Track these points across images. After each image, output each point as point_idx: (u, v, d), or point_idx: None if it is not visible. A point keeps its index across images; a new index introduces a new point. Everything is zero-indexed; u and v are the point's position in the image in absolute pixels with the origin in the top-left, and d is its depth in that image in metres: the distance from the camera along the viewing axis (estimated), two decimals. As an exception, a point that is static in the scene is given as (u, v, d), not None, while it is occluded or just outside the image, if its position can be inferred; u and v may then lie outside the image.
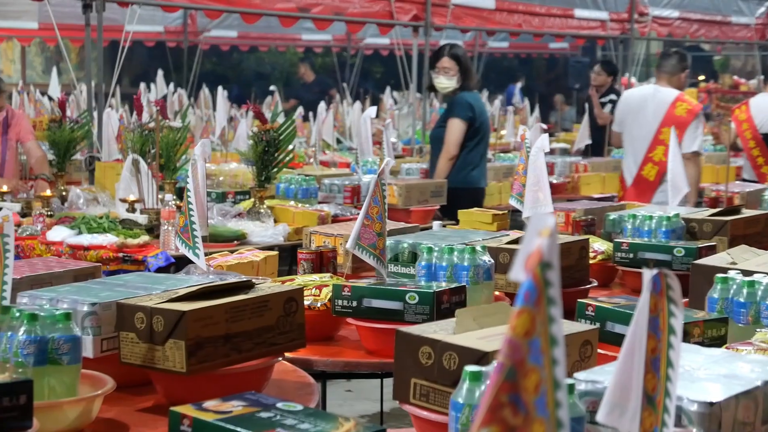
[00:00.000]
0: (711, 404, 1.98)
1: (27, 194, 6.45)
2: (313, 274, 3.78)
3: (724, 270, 3.28)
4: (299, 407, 2.03)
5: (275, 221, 5.88)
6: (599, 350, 2.68)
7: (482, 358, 2.27)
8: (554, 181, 8.36)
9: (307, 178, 6.80)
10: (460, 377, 2.09)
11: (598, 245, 4.44)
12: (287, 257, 6.72)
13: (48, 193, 6.07)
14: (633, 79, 15.14)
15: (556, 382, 1.15)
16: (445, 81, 7.12)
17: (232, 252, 4.38)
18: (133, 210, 5.57)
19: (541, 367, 1.15)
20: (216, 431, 1.94)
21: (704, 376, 2.15)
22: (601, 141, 10.17)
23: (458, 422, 2.06)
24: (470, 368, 2.07)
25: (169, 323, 2.59)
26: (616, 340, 2.86)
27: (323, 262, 3.92)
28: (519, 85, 19.41)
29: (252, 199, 6.17)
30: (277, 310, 2.79)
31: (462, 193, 6.99)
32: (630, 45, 13.95)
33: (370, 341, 3.31)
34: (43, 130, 7.07)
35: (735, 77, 19.97)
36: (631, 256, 4.21)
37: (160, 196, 5.68)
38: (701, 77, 19.36)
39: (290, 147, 6.17)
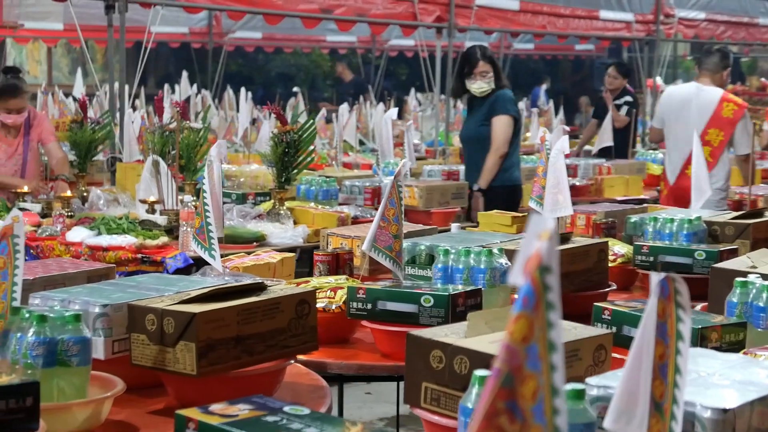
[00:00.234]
0: (725, 411, 1.94)
1: (47, 195, 6.46)
2: (329, 276, 3.75)
3: (744, 274, 3.24)
4: (306, 411, 2.00)
5: (295, 223, 5.86)
6: (615, 355, 2.64)
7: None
8: (577, 184, 8.32)
9: (328, 179, 6.78)
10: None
11: (618, 248, 4.40)
12: (307, 259, 6.69)
13: (68, 193, 6.07)
14: (659, 81, 15.07)
15: (554, 388, 1.12)
16: (484, 85, 7.07)
17: (248, 254, 4.36)
18: (152, 211, 5.57)
19: (539, 374, 1.12)
20: (221, 435, 1.92)
21: (719, 381, 2.11)
22: (620, 144, 10.15)
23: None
24: (480, 372, 2.04)
25: (179, 325, 2.57)
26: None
27: (339, 264, 3.90)
28: (544, 87, 19.35)
29: (272, 201, 6.15)
30: (289, 313, 2.77)
31: (504, 191, 6.95)
32: (655, 47, 13.86)
33: (384, 344, 3.28)
34: (66, 131, 7.08)
35: (763, 79, 19.82)
36: (652, 259, 4.17)
37: (180, 197, 5.67)
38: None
39: (311, 148, 6.15)
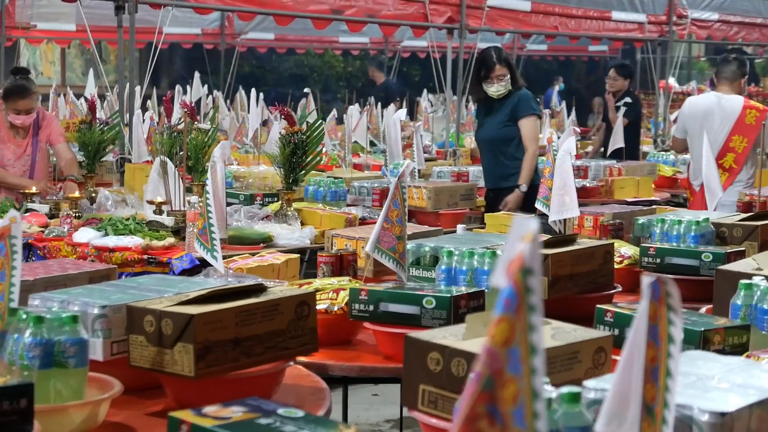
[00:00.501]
0: (723, 414, 1.92)
1: (56, 196, 6.47)
2: (333, 277, 3.74)
3: (749, 276, 3.21)
4: (300, 413, 1.99)
5: (302, 224, 5.85)
6: (616, 357, 2.61)
7: (491, 364, 2.22)
8: (588, 185, 8.29)
9: (336, 180, 6.76)
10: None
11: (625, 250, 4.37)
12: (315, 260, 6.68)
13: (76, 194, 6.07)
14: (672, 82, 15.01)
15: (534, 392, 1.11)
16: (501, 88, 6.99)
17: (253, 255, 4.35)
18: (160, 212, 5.56)
19: (519, 377, 1.10)
20: (213, 437, 1.91)
21: (718, 385, 2.09)
22: (628, 144, 10.16)
23: None
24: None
25: (177, 327, 2.56)
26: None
27: (343, 265, 3.89)
28: (556, 88, 19.30)
29: (280, 202, 6.14)
30: (288, 314, 2.75)
31: (532, 192, 6.91)
32: (668, 48, 13.81)
33: (386, 346, 3.27)
34: (75, 131, 7.09)
35: (777, 80, 19.76)
36: (658, 261, 4.14)
37: (187, 198, 5.66)
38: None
39: (319, 149, 6.14)
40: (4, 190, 6.71)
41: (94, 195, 6.48)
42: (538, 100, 15.62)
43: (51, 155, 7.20)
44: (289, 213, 5.86)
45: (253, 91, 10.47)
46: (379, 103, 12.71)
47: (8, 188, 6.73)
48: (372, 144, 10.90)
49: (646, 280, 1.45)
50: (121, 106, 8.09)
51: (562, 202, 4.59)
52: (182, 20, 14.33)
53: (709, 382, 2.11)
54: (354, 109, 10.13)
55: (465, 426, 1.09)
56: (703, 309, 3.44)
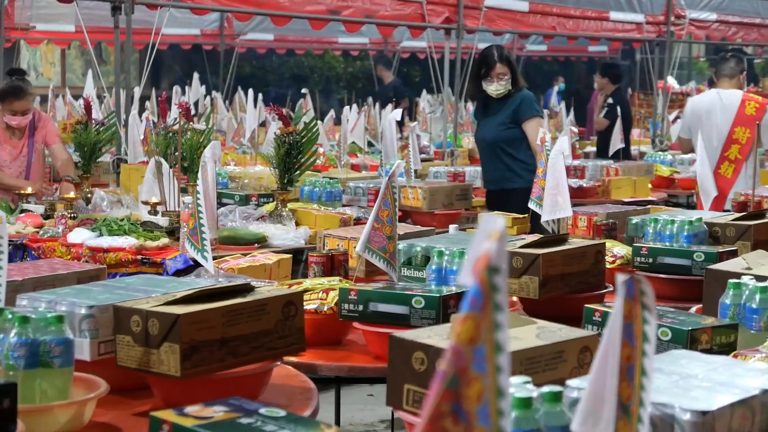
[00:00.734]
0: (704, 413, 1.92)
1: (52, 196, 6.47)
2: (323, 277, 3.74)
3: (738, 275, 3.21)
4: (282, 413, 1.99)
5: (297, 224, 5.85)
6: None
7: (475, 364, 2.22)
8: (584, 185, 8.29)
9: (331, 181, 6.76)
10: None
11: (618, 249, 4.37)
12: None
13: (72, 195, 6.08)
14: (672, 81, 15.01)
15: (499, 390, 1.11)
16: (501, 87, 6.87)
17: (245, 255, 4.35)
18: (155, 212, 5.56)
19: (484, 375, 1.10)
20: (194, 437, 1.91)
21: (700, 384, 2.09)
22: (601, 146, 10.19)
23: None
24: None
25: (164, 326, 2.56)
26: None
27: (334, 265, 3.89)
28: (556, 88, 19.29)
29: (274, 202, 6.14)
30: (275, 314, 2.75)
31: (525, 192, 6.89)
32: (667, 48, 13.80)
33: (375, 346, 3.27)
34: (71, 132, 7.09)
35: (776, 80, 19.75)
36: (651, 260, 4.14)
37: (182, 199, 5.66)
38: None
39: (314, 149, 6.14)
40: (0, 191, 6.71)
41: (89, 195, 6.48)
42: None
43: (47, 156, 7.21)
44: (284, 213, 5.87)
45: (251, 91, 10.48)
46: (385, 103, 12.68)
47: (4, 189, 6.73)
48: (370, 144, 10.90)
49: (621, 278, 1.45)
50: (117, 107, 8.09)
51: (554, 202, 4.59)
52: (181, 21, 14.33)
53: (692, 381, 2.11)
54: (351, 110, 10.12)
55: (429, 425, 1.09)
56: (694, 308, 3.44)
